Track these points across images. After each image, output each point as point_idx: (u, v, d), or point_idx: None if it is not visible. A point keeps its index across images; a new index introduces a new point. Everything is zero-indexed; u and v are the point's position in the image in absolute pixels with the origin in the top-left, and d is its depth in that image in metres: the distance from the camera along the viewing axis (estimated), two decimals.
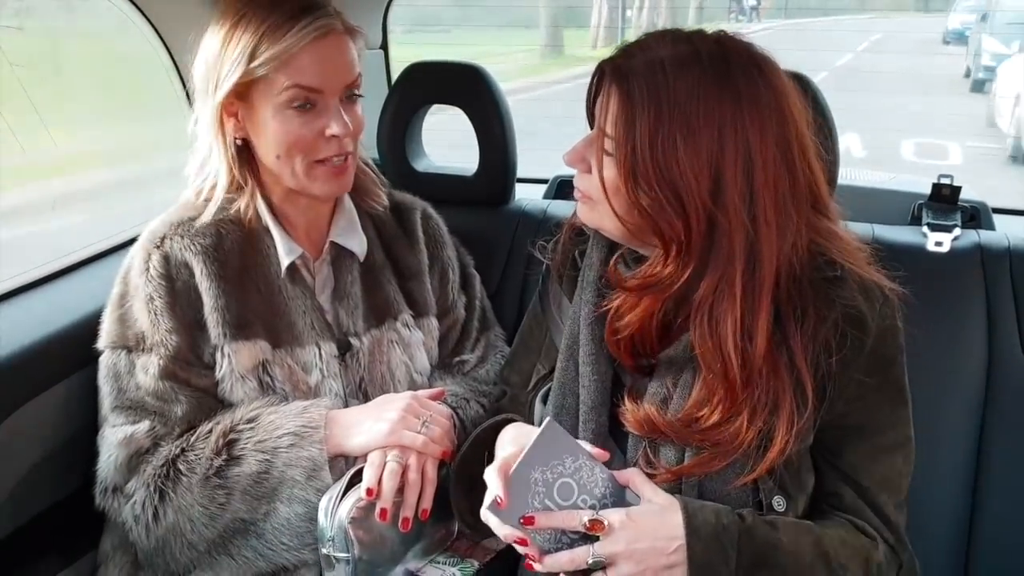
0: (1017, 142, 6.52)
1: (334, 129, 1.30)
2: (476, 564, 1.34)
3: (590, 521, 1.02)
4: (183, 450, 1.29)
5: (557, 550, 1.04)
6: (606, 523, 1.02)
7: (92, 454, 1.35)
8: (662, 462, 1.11)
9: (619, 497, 1.07)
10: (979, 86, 9.00)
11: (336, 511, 1.22)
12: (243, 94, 1.30)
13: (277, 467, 1.27)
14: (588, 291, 1.22)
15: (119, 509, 1.31)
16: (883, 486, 1.15)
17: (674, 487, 1.10)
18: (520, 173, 1.88)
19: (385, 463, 1.26)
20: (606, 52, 1.17)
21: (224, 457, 1.28)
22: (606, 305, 1.17)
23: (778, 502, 1.09)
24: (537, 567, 1.05)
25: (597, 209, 1.13)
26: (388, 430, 1.28)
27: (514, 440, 1.17)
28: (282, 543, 1.28)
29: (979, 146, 6.93)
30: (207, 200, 1.36)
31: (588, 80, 1.13)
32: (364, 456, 1.28)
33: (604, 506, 1.06)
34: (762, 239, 1.04)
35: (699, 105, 1.02)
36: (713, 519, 1.04)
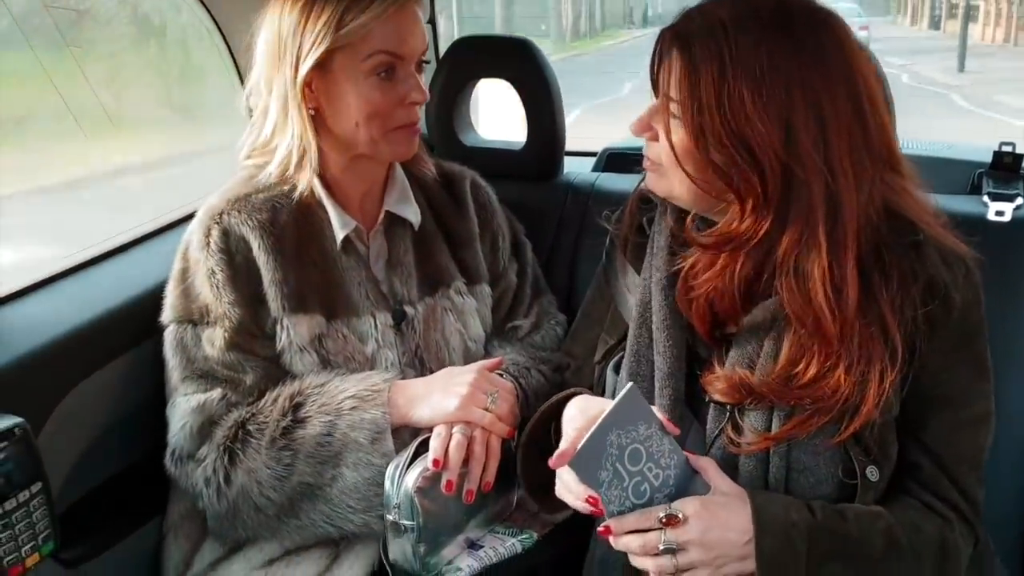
0: None
1: (415, 96, 1.34)
2: (535, 535, 1.35)
3: (666, 517, 1.02)
4: (252, 414, 1.31)
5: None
6: (681, 517, 1.02)
7: (155, 426, 1.37)
8: (750, 429, 1.10)
9: (687, 477, 1.07)
10: None
11: (402, 480, 1.24)
12: (324, 64, 1.30)
13: (340, 429, 1.28)
14: (659, 256, 1.21)
15: (190, 475, 1.33)
16: (963, 459, 1.13)
17: (762, 458, 1.09)
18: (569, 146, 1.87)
19: (452, 435, 1.26)
20: None
21: (290, 419, 1.29)
22: (679, 263, 1.16)
23: (871, 472, 1.08)
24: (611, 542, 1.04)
25: (666, 176, 1.12)
26: (457, 405, 1.28)
27: (582, 411, 1.15)
28: (348, 506, 1.29)
29: None
30: (280, 173, 1.36)
31: None
32: (429, 427, 1.29)
33: (667, 477, 1.05)
34: (841, 188, 1.02)
35: (763, 58, 1.00)
36: (783, 514, 1.03)
